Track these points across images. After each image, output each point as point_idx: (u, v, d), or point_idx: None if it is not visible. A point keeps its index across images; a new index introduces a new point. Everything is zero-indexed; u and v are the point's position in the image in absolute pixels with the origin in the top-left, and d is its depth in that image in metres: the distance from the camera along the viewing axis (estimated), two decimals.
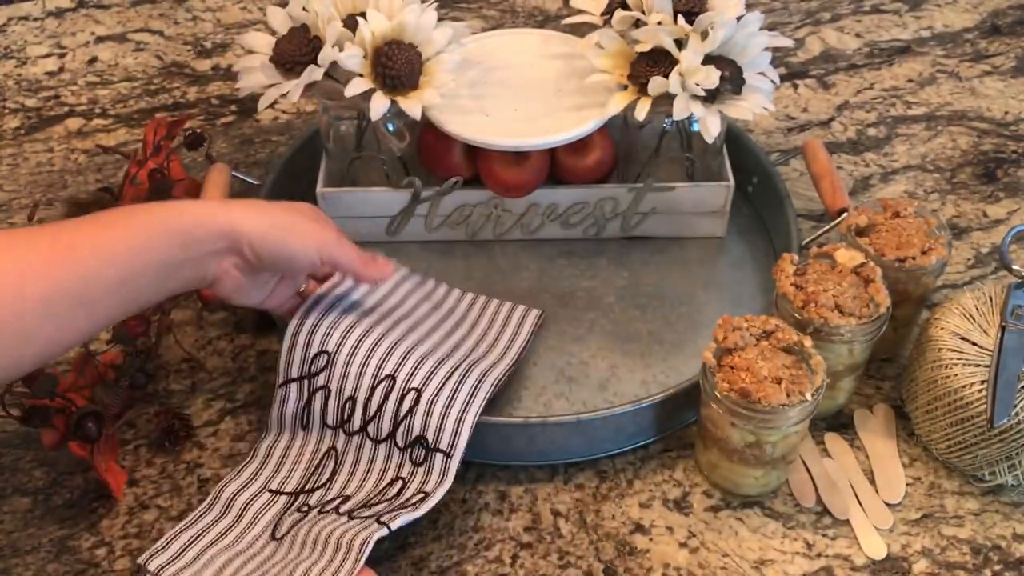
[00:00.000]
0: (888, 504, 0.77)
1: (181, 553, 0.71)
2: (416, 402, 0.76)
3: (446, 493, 0.73)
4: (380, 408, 0.76)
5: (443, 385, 0.76)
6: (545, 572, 0.74)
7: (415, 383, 0.76)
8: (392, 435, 0.76)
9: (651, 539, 0.76)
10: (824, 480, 0.79)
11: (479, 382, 0.78)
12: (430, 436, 0.75)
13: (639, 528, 0.77)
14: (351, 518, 0.72)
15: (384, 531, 0.69)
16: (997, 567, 0.74)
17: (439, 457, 0.75)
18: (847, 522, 0.77)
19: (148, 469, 0.80)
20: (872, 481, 0.79)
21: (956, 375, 0.75)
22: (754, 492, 0.78)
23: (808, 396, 0.71)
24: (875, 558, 0.74)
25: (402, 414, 0.76)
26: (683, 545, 0.75)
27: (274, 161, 1.01)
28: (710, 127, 0.82)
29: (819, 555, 0.75)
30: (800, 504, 0.78)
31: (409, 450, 0.76)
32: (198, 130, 0.98)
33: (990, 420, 0.73)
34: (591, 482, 0.79)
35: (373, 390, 0.77)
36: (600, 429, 0.79)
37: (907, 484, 0.79)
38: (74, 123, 1.12)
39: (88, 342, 0.81)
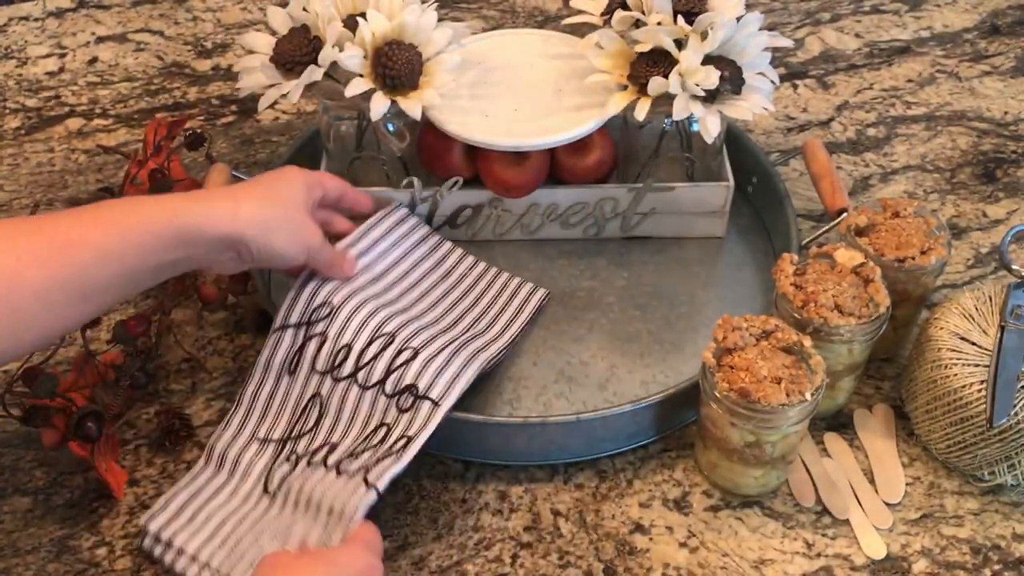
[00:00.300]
0: (888, 504, 0.77)
1: (179, 512, 0.73)
2: (412, 358, 0.77)
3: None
4: (375, 358, 0.77)
5: (440, 351, 0.78)
6: (545, 572, 0.74)
7: (414, 344, 0.78)
8: (382, 382, 0.77)
9: (651, 539, 0.76)
10: (824, 480, 0.79)
11: (477, 352, 0.80)
12: (422, 385, 0.76)
13: (639, 528, 0.77)
14: (339, 472, 0.72)
15: (373, 496, 0.70)
16: (997, 567, 0.74)
17: (426, 404, 0.75)
18: (847, 522, 0.77)
19: (148, 469, 0.81)
20: (872, 481, 0.79)
21: (956, 375, 0.75)
22: (754, 492, 0.78)
23: (808, 396, 0.71)
24: (875, 558, 0.74)
25: (396, 365, 0.77)
26: (683, 545, 0.76)
27: (274, 161, 1.01)
28: (710, 127, 0.82)
29: (819, 555, 0.75)
30: (800, 504, 0.78)
31: (397, 397, 0.76)
32: (198, 130, 0.98)
33: (989, 420, 0.73)
34: (591, 482, 0.79)
35: (371, 342, 0.78)
36: (600, 429, 0.79)
37: (907, 484, 0.79)
38: (74, 123, 1.12)
39: (88, 342, 0.82)
